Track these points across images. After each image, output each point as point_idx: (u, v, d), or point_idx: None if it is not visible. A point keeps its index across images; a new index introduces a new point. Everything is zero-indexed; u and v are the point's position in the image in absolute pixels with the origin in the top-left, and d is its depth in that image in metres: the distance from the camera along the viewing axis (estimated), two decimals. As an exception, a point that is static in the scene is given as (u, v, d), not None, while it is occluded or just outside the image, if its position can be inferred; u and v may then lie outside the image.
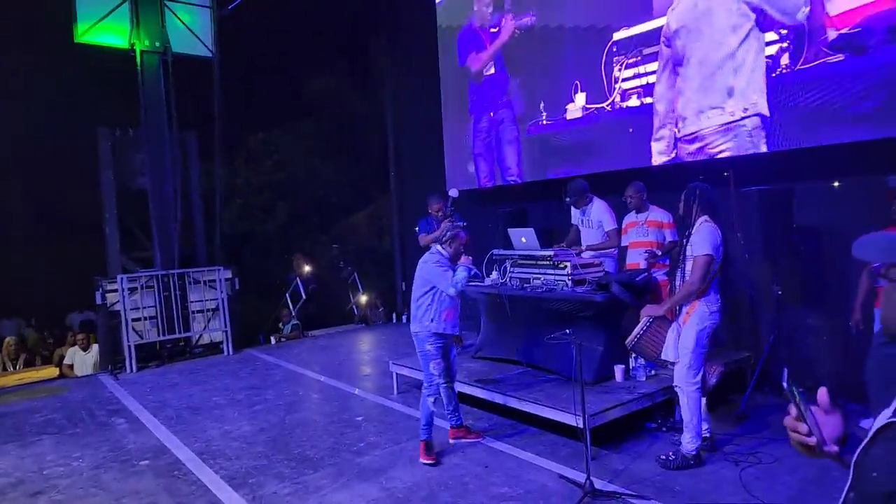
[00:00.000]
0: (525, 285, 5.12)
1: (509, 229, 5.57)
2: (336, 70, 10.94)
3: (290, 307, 9.63)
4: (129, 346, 7.44)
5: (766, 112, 4.85)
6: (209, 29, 8.63)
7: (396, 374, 5.84)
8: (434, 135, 8.68)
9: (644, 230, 5.03)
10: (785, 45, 4.76)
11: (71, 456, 4.70)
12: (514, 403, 4.55)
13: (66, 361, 7.96)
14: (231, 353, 8.14)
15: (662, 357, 3.90)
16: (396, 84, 10.27)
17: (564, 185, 5.63)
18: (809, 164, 4.85)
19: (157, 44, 8.03)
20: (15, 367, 7.86)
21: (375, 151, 10.75)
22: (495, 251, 5.56)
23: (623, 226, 5.23)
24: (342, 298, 10.19)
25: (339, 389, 6.21)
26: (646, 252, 4.79)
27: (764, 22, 4.84)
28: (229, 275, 8.38)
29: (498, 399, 4.69)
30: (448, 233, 4.32)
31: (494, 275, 5.43)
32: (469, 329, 6.62)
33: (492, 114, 7.68)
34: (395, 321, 10.07)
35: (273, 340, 8.92)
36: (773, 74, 4.82)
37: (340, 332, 9.56)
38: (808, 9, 4.53)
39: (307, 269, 10.07)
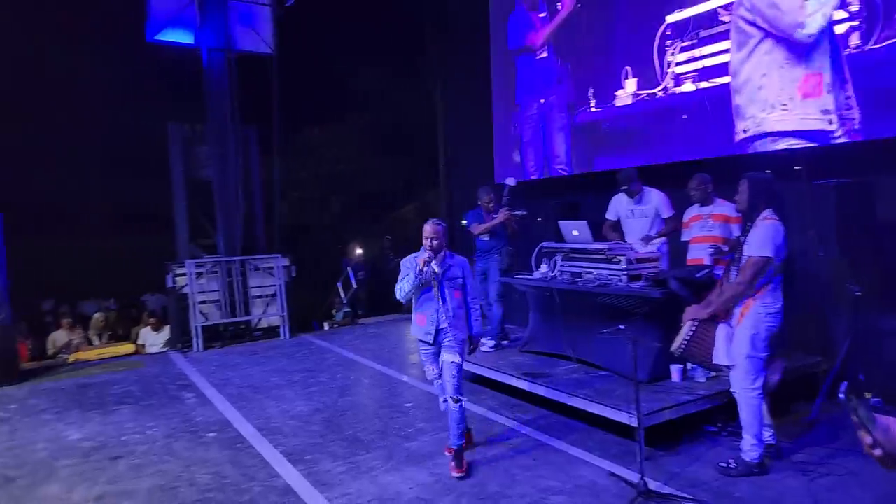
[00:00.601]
0: (576, 279, 5.08)
1: (560, 222, 5.52)
2: (387, 63, 11.19)
3: (342, 295, 10.02)
4: (196, 327, 7.98)
5: (852, 98, 4.55)
6: (269, 26, 9.04)
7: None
8: (483, 126, 8.79)
9: (709, 224, 4.83)
10: (856, 23, 4.53)
11: (146, 425, 5.15)
12: (563, 399, 4.56)
13: (140, 341, 8.62)
14: (287, 337, 8.59)
15: (715, 362, 3.74)
16: (446, 76, 10.43)
17: (614, 175, 5.55)
18: (888, 154, 4.53)
19: (221, 42, 8.48)
20: (100, 341, 8.61)
21: (425, 144, 10.97)
22: (545, 244, 5.53)
23: (685, 220, 5.04)
24: (392, 289, 10.47)
25: (389, 376, 6.48)
26: (710, 248, 4.51)
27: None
28: (286, 263, 8.82)
29: (546, 393, 4.74)
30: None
31: (544, 268, 5.41)
32: (516, 322, 6.78)
33: (542, 101, 7.62)
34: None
35: (326, 326, 9.33)
36: (844, 53, 4.61)
37: (390, 320, 9.87)
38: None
39: (358, 252, 10.38)
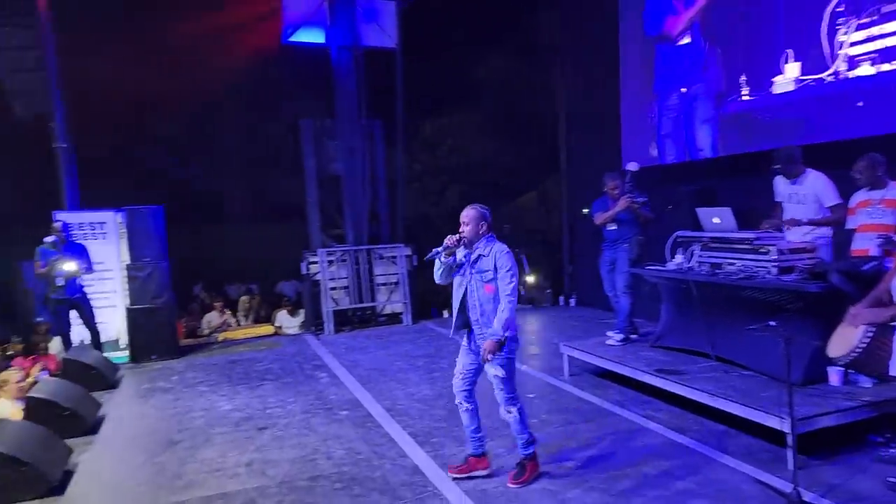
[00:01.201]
0: (717, 271, 4.71)
1: (698, 209, 5.16)
2: (507, 51, 11.08)
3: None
4: (328, 312, 8.48)
5: None
6: (393, 21, 9.31)
7: (567, 356, 5.91)
8: (609, 112, 8.44)
9: (879, 211, 4.27)
10: None
11: (287, 400, 5.55)
12: (703, 399, 4.25)
13: (277, 323, 9.32)
14: (410, 323, 8.87)
15: (891, 373, 3.30)
16: (569, 61, 10.13)
17: (768, 155, 5.01)
18: None
19: (349, 39, 8.86)
20: (245, 322, 9.47)
21: (546, 130, 10.75)
22: (680, 233, 5.20)
23: (851, 205, 4.47)
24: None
25: (510, 364, 6.46)
26: (880, 237, 4.01)
27: None
28: (408, 252, 9.09)
29: (684, 392, 4.44)
30: None
31: (679, 258, 5.07)
32: (644, 316, 6.44)
33: (683, 90, 7.07)
34: (562, 303, 10.09)
35: (445, 314, 9.50)
36: None
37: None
38: None
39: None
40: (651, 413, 4.67)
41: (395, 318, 9.11)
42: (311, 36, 8.92)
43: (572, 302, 10.03)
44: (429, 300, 9.98)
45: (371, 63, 9.20)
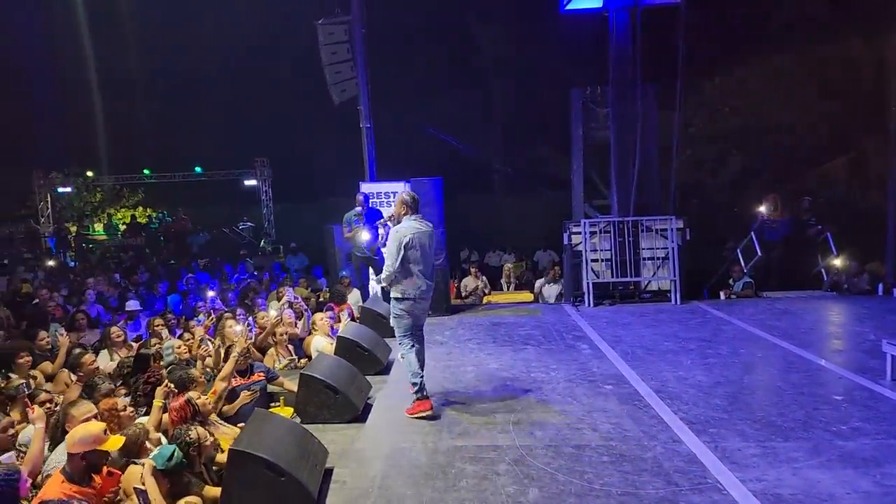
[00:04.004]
0: None
1: None
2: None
3: (742, 263, 8.99)
4: (588, 284, 8.33)
5: None
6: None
7: (892, 356, 4.79)
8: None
9: None
10: None
11: (549, 366, 5.61)
12: None
13: (536, 291, 9.53)
14: (678, 302, 8.19)
15: None
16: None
17: None
18: None
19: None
20: (508, 288, 9.94)
21: (867, 84, 8.78)
22: None
23: None
24: (808, 260, 8.91)
25: (805, 359, 5.53)
26: None
27: None
28: (681, 225, 8.36)
29: None
30: None
31: None
32: None
33: None
34: (881, 293, 8.24)
35: (722, 296, 8.57)
36: None
37: (803, 297, 8.44)
38: None
39: (764, 215, 9.08)
40: None
41: (661, 296, 8.52)
42: (588, 2, 8.64)
43: None
44: (697, 280, 9.13)
45: (649, 23, 8.56)
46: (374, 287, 8.15)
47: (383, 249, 4.48)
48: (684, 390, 4.81)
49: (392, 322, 4.63)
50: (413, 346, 4.53)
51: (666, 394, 4.74)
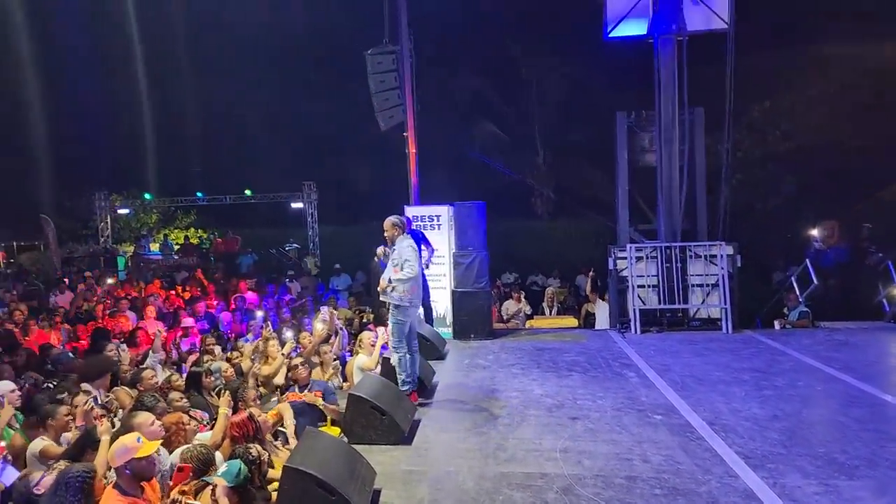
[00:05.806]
0: None
1: None
2: (865, 16, 9.05)
3: (797, 291, 8.66)
4: (634, 310, 8.16)
5: None
6: (725, 2, 8.43)
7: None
8: None
9: None
10: None
11: (595, 394, 5.51)
12: None
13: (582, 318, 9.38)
14: (729, 331, 7.93)
15: None
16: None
17: None
18: None
19: (674, 26, 8.33)
20: (549, 313, 9.82)
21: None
22: None
23: None
24: (869, 290, 8.52)
25: (869, 394, 5.28)
26: None
27: None
28: (731, 251, 8.14)
29: None
30: None
31: None
32: None
33: None
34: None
35: (777, 325, 8.26)
36: None
37: (864, 328, 8.06)
38: None
39: (819, 242, 8.77)
40: None
41: (710, 324, 8.27)
42: (633, 29, 8.66)
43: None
44: (749, 308, 8.83)
45: (695, 48, 8.50)
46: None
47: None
48: (739, 423, 4.64)
49: (390, 329, 5.24)
50: (406, 354, 5.19)
51: (719, 426, 4.58)
